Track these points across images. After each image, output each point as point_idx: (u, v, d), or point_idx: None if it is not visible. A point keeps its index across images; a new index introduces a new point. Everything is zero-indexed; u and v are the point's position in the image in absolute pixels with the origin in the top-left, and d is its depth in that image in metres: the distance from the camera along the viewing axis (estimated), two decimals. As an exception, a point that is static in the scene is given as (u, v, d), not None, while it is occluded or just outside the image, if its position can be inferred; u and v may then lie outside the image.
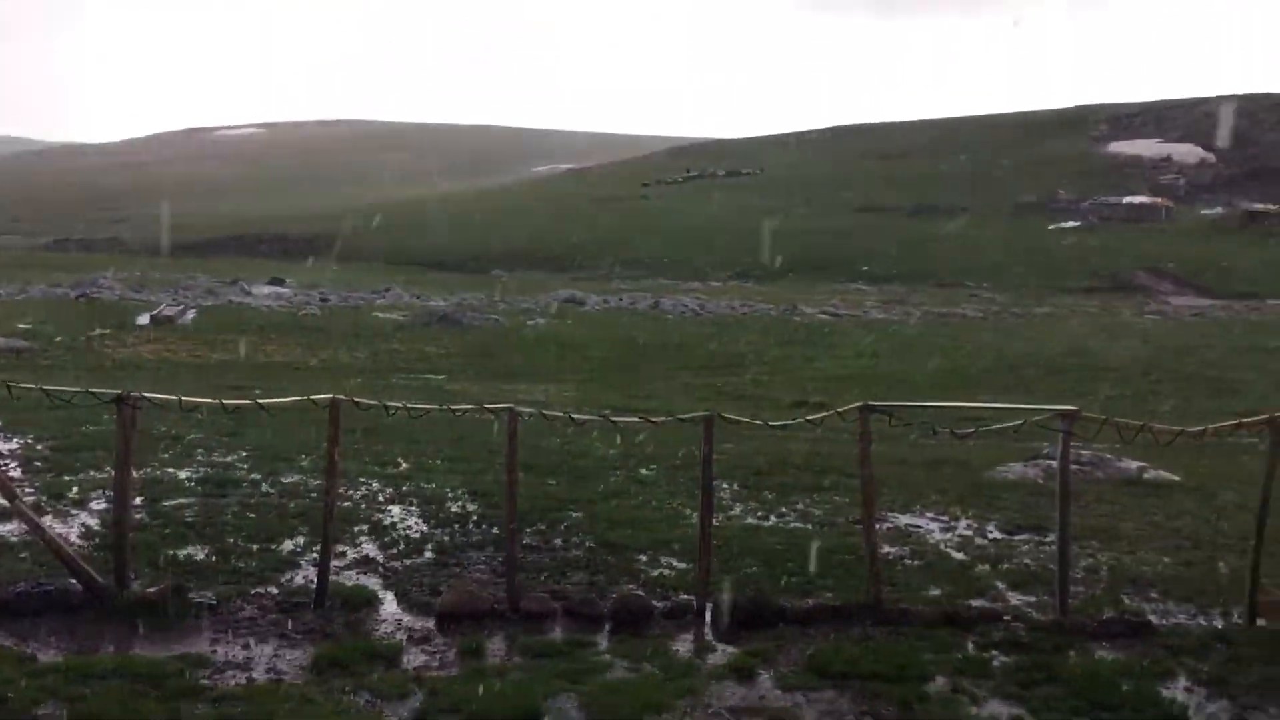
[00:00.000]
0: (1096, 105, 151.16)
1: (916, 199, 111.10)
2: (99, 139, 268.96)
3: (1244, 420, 10.13)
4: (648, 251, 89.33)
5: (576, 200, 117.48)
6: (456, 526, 12.61)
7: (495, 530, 12.11)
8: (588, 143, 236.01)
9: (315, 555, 10.43)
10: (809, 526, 13.16)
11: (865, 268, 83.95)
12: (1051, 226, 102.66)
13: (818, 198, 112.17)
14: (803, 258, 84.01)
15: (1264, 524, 9.82)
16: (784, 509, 13.92)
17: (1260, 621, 9.91)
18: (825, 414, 11.11)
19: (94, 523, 11.99)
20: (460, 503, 13.56)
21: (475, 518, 12.94)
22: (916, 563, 11.82)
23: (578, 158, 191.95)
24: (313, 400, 10.39)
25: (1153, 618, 10.10)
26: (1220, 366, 33.15)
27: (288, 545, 11.56)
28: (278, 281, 58.02)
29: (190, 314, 39.77)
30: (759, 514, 13.69)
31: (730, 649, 9.37)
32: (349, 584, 10.49)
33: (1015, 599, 10.67)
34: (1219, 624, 10.13)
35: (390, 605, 10.14)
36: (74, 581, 9.79)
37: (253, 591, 10.19)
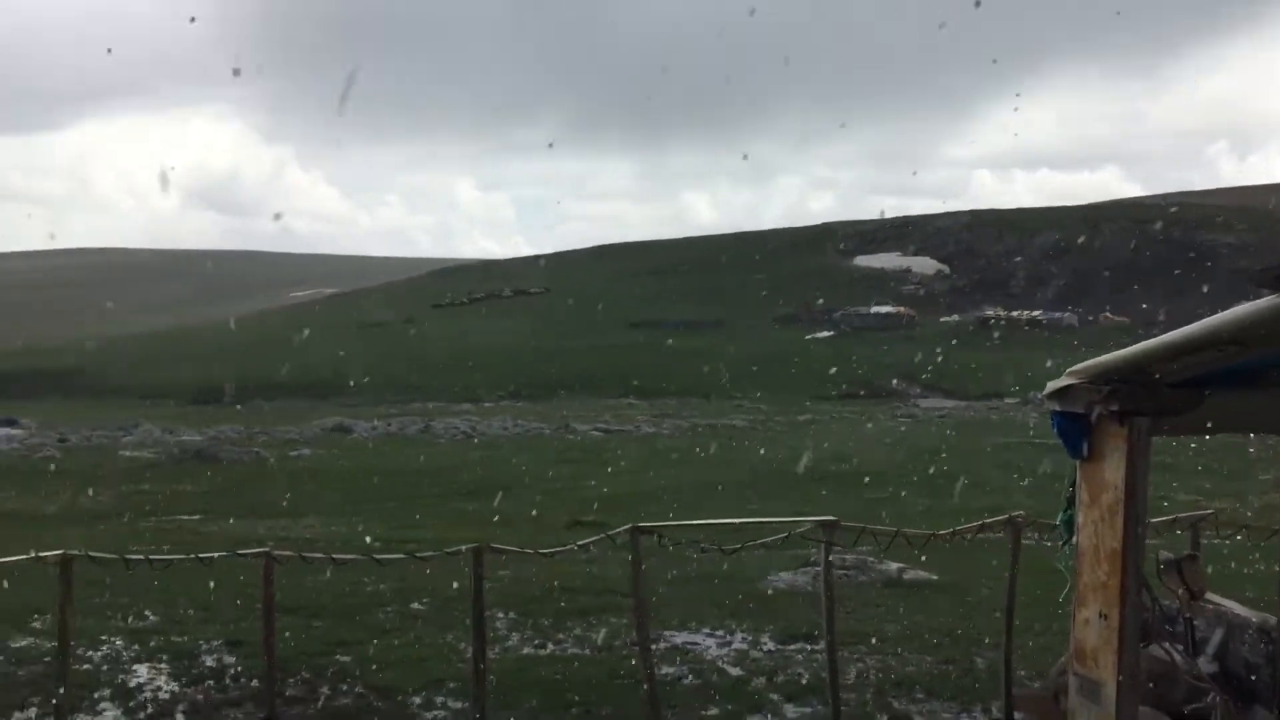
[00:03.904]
0: (838, 223, 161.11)
1: (682, 314, 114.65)
2: None
3: (987, 521, 10.69)
4: (417, 375, 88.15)
5: (342, 325, 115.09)
6: (211, 683, 11.75)
7: (255, 683, 11.35)
8: (348, 267, 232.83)
9: (48, 729, 9.47)
10: (587, 652, 12.98)
11: (636, 382, 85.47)
12: (808, 336, 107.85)
13: (586, 315, 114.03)
14: (574, 375, 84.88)
15: (1011, 619, 10.32)
16: (561, 636, 13.70)
17: (1017, 716, 10.34)
18: (596, 538, 11.04)
19: None
20: (216, 655, 12.67)
21: (233, 671, 12.10)
22: (695, 681, 11.80)
23: (339, 282, 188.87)
24: (40, 557, 9.54)
25: None
26: (966, 465, 35.22)
27: (17, 719, 10.45)
28: (9, 422, 53.86)
29: (-92, 463, 36.28)
30: (536, 643, 13.41)
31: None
32: (88, 759, 9.55)
33: (791, 712, 10.78)
34: None
35: (136, 778, 9.27)
36: None
37: (-27, 778, 9.12)
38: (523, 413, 66.37)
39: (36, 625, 13.59)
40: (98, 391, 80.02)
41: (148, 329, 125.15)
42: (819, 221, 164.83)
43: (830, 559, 10.38)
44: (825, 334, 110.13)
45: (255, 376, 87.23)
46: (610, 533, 10.96)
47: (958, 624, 14.06)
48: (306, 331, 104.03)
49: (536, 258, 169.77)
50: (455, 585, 15.01)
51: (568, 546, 11.23)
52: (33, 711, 10.57)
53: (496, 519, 24.53)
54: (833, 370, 78.93)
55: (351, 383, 78.70)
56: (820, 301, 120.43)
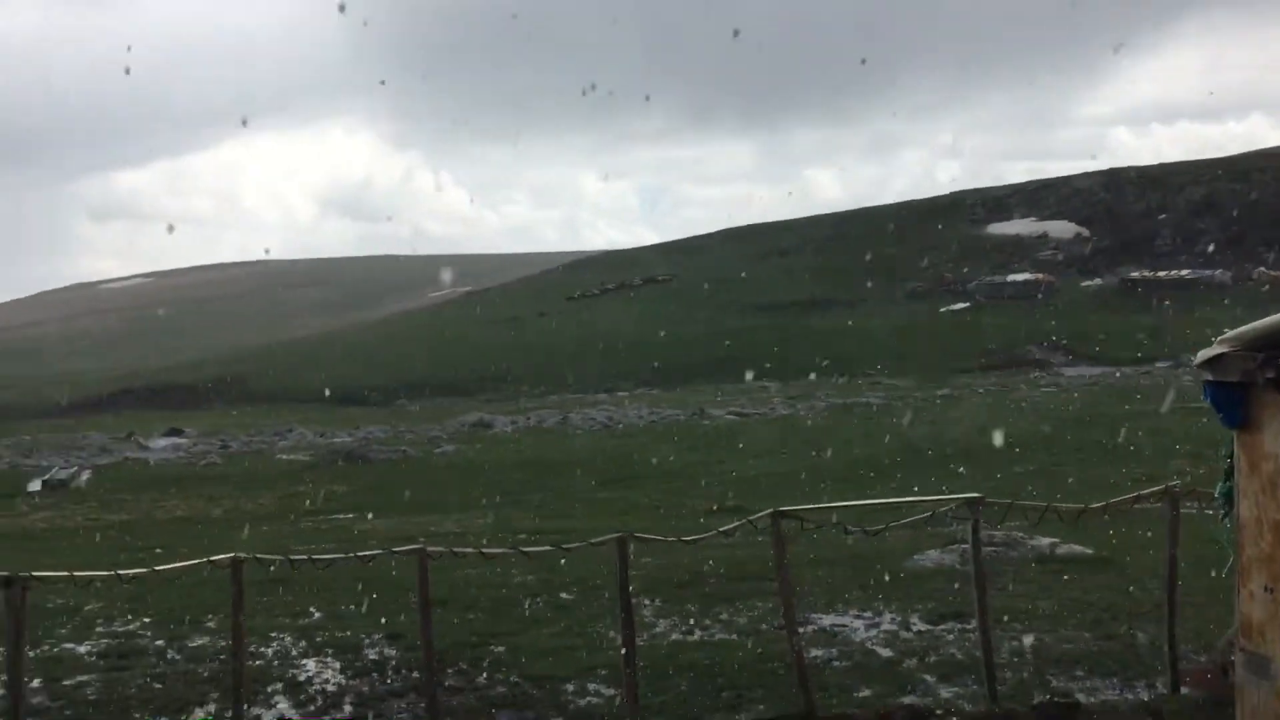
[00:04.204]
0: (968, 191, 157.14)
1: (811, 293, 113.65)
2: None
3: (1142, 492, 10.38)
4: (553, 368, 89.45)
5: (477, 323, 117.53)
6: (375, 675, 12.21)
7: (415, 674, 11.76)
8: (480, 265, 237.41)
9: (228, 723, 10.00)
10: (734, 637, 13.04)
11: (768, 365, 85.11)
12: (943, 309, 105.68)
13: (716, 300, 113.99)
14: (706, 360, 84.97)
15: (1174, 592, 10.01)
16: (708, 621, 13.79)
17: (1184, 690, 10.03)
18: (737, 523, 11.10)
19: (-13, 713, 11.34)
20: (377, 648, 13.15)
21: (394, 663, 12.54)
22: (844, 663, 11.76)
23: (473, 280, 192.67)
24: (212, 561, 10.07)
25: (1080, 696, 10.16)
26: (1117, 434, 34.10)
27: (199, 715, 11.05)
28: (175, 432, 56.62)
29: (85, 475, 38.50)
30: (683, 629, 13.53)
31: (667, 775, 9.15)
32: (265, 749, 10.06)
33: (945, 692, 10.65)
34: (1145, 696, 10.22)
35: (310, 767, 9.72)
36: (-33, 780, 9.21)
37: (163, 769, 9.69)
38: (657, 400, 66.77)
39: (211, 624, 14.31)
40: (253, 398, 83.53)
41: (295, 336, 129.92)
42: (948, 191, 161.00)
43: (978, 536, 10.22)
44: (960, 305, 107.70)
45: (397, 377, 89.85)
46: (751, 518, 11.01)
47: (1116, 599, 13.67)
48: (444, 332, 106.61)
49: (662, 245, 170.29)
50: (599, 574, 15.34)
51: (710, 533, 11.30)
52: (213, 706, 11.15)
53: (637, 507, 24.81)
54: (971, 342, 77.25)
55: (489, 379, 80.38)
56: (953, 273, 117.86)
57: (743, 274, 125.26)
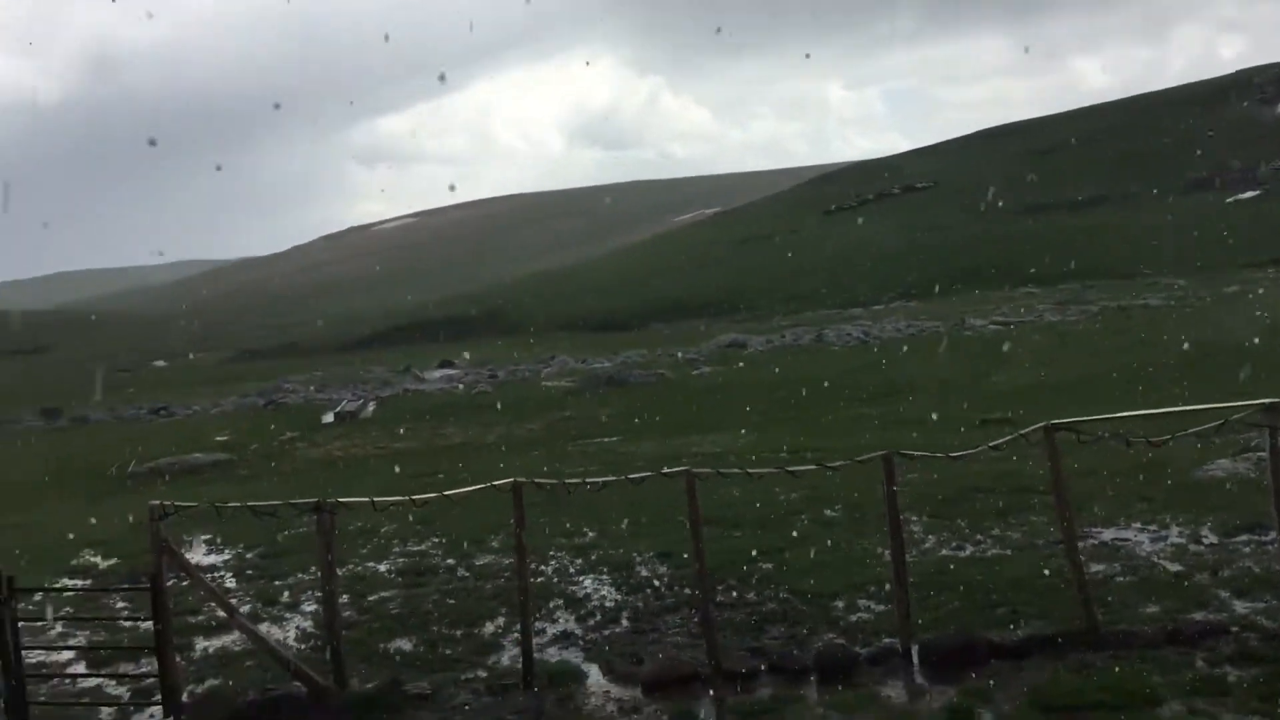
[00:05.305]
0: (1253, 69, 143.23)
1: (1079, 191, 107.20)
2: (268, 250, 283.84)
3: None
4: (806, 285, 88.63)
5: (728, 242, 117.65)
6: (649, 591, 12.67)
7: (687, 591, 12.11)
8: (728, 185, 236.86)
9: (517, 635, 10.63)
10: (1007, 553, 12.72)
11: (1033, 270, 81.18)
12: (1229, 200, 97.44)
13: (973, 205, 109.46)
14: (966, 268, 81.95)
15: None
16: (979, 537, 13.51)
17: None
18: (1008, 437, 10.74)
19: (308, 625, 12.52)
20: (649, 566, 13.62)
21: (665, 579, 12.97)
22: (1128, 579, 11.28)
23: (721, 200, 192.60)
24: (494, 486, 10.65)
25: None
26: None
27: (489, 628, 11.81)
28: (447, 364, 59.85)
29: (370, 406, 41.35)
30: (953, 545, 13.32)
31: (945, 690, 9.11)
32: (553, 660, 10.65)
33: (1241, 607, 10.06)
34: None
35: (595, 678, 10.24)
36: (298, 685, 10.23)
37: (463, 677, 10.44)
38: (915, 313, 65.06)
39: (494, 544, 15.22)
40: (516, 329, 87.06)
41: (552, 267, 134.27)
42: (1231, 70, 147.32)
43: (1277, 443, 9.51)
44: (1248, 194, 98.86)
45: (651, 301, 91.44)
46: (1022, 431, 10.64)
47: None
48: (695, 253, 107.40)
49: (916, 151, 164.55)
50: (864, 491, 15.23)
51: (979, 448, 11.01)
52: (501, 621, 11.89)
53: (899, 423, 24.41)
54: (1260, 235, 71.11)
55: (742, 299, 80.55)
56: (1239, 160, 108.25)
57: (1004, 176, 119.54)
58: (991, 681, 9.05)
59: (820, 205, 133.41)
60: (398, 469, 24.38)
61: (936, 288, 76.80)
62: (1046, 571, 11.41)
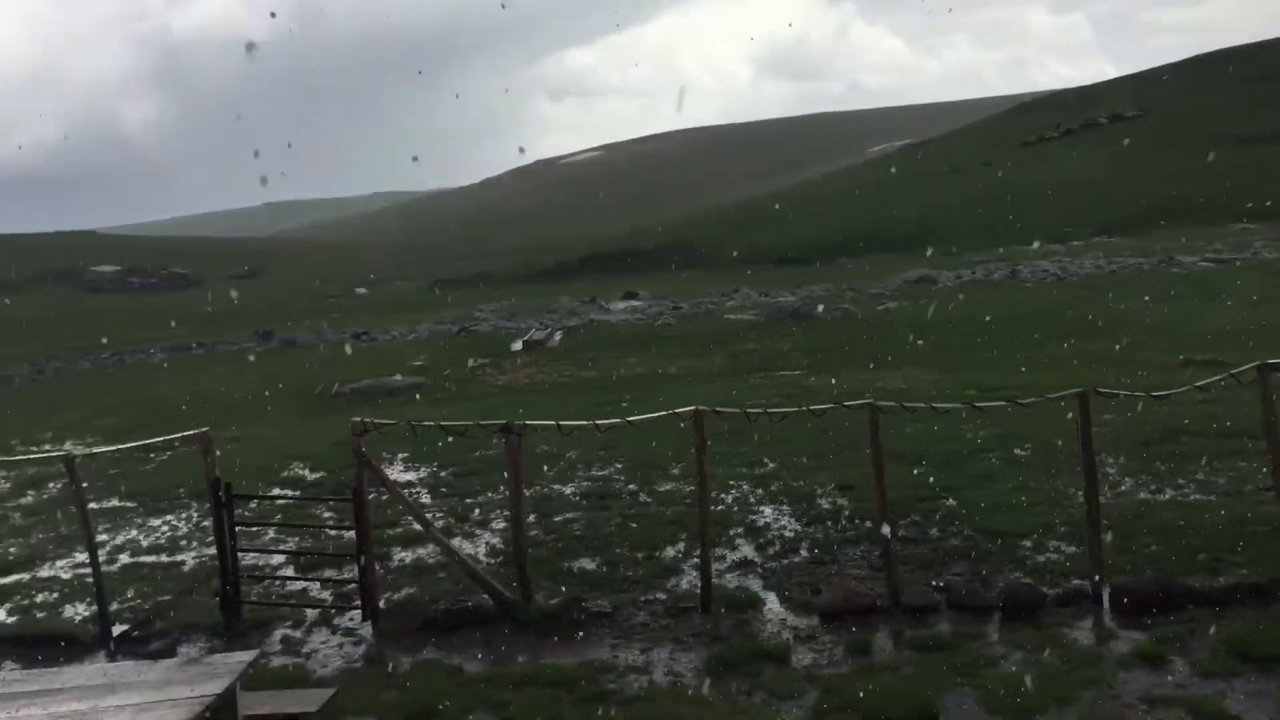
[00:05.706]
0: None
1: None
2: (462, 183, 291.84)
3: None
4: (1000, 219, 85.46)
5: (919, 175, 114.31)
6: (829, 523, 12.64)
7: (868, 524, 12.03)
8: (920, 116, 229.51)
9: (696, 560, 10.80)
10: (1211, 498, 12.13)
11: (1250, 205, 75.96)
12: None
13: (1183, 135, 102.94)
14: (1175, 203, 77.40)
15: None
16: (1180, 480, 12.92)
17: None
18: (1217, 378, 10.18)
19: (497, 541, 13.03)
20: (829, 499, 13.57)
21: (846, 513, 12.91)
22: (1347, 531, 10.59)
23: (913, 132, 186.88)
24: (676, 414, 10.77)
25: None
26: None
27: (669, 552, 12.04)
28: (631, 296, 60.49)
29: (557, 336, 42.27)
30: (1152, 488, 12.78)
31: (1135, 635, 8.83)
32: (731, 586, 10.79)
33: None
34: None
35: (773, 605, 10.33)
36: (486, 597, 10.71)
37: (643, 599, 10.70)
38: (1117, 249, 61.93)
39: (675, 472, 15.43)
40: (700, 261, 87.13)
41: (738, 200, 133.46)
42: None
43: None
44: None
45: (838, 235, 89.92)
46: (1233, 371, 10.07)
47: None
48: (884, 187, 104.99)
49: (1122, 79, 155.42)
50: (1055, 431, 14.73)
51: (1184, 388, 10.48)
52: (681, 546, 12.10)
53: (1096, 361, 23.43)
54: None
55: (932, 234, 78.35)
56: None
57: (1220, 105, 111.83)
58: (1187, 628, 8.71)
59: (1018, 137, 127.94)
60: (581, 396, 24.89)
61: (1142, 223, 72.94)
62: (1253, 518, 10.83)
